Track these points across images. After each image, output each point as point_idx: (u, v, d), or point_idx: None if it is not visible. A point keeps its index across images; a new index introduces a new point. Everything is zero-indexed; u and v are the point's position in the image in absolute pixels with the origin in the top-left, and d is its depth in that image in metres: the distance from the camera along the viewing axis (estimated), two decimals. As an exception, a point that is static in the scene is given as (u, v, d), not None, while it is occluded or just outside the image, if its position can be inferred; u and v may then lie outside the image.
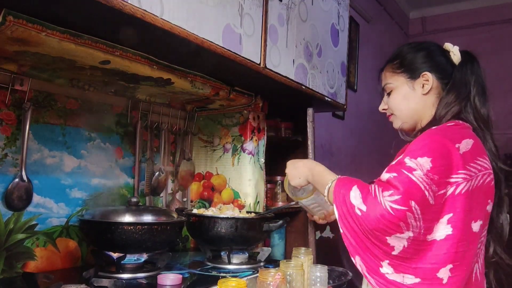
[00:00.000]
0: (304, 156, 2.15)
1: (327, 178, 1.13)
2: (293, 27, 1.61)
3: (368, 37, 3.80)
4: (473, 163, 1.03)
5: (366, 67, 3.71)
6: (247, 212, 1.65)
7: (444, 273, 0.97)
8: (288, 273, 1.21)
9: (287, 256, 2.00)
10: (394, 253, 0.96)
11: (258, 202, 1.78)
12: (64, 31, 1.03)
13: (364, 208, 0.97)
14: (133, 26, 1.03)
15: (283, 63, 1.55)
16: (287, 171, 1.29)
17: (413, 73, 1.19)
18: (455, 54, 1.20)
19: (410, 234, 0.95)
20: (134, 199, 1.36)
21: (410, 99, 1.20)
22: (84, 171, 1.46)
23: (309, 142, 1.80)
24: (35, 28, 0.98)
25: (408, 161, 0.97)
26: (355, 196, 1.00)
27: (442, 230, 0.97)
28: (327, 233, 2.85)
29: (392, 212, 0.93)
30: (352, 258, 1.02)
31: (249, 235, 1.47)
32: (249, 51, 1.36)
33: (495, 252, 1.11)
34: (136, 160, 1.63)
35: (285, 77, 1.56)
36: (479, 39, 4.48)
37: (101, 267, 1.25)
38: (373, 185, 0.99)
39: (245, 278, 1.31)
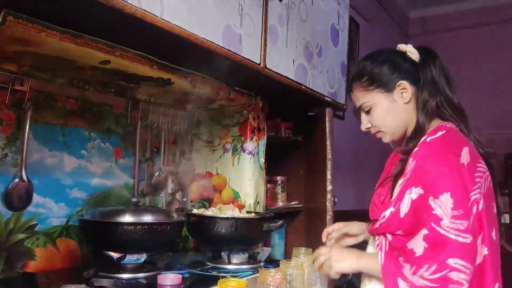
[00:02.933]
0: (303, 156, 2.16)
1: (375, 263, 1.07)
2: (293, 27, 1.61)
3: (368, 37, 3.80)
4: (476, 173, 1.01)
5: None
6: (247, 212, 1.65)
7: None
8: (288, 273, 1.21)
9: (287, 256, 2.00)
10: None
11: (258, 202, 1.78)
12: (64, 31, 1.03)
13: None
14: (133, 26, 1.03)
15: (283, 63, 1.55)
16: (331, 254, 1.17)
17: (387, 86, 1.17)
18: (413, 53, 1.19)
19: (467, 285, 0.92)
20: (134, 199, 1.36)
21: (394, 111, 1.18)
22: (84, 171, 1.46)
23: (328, 143, 1.80)
24: (35, 28, 0.98)
25: (433, 204, 0.96)
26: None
27: (481, 252, 0.96)
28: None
29: (431, 285, 0.92)
30: None
31: (249, 235, 1.47)
32: (249, 51, 1.36)
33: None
34: (136, 160, 1.63)
35: (285, 77, 1.56)
36: (479, 39, 4.48)
37: (101, 267, 1.25)
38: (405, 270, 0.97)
39: (245, 278, 1.31)
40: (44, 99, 1.35)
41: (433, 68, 1.16)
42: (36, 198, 1.30)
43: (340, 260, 1.14)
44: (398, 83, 1.16)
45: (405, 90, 1.17)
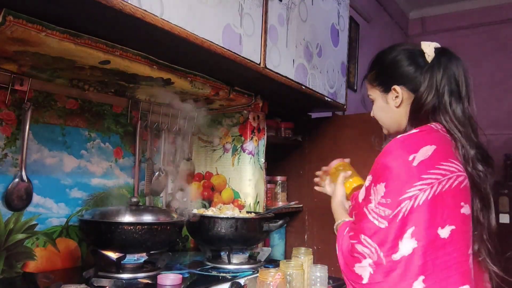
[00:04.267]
0: (302, 156, 2.16)
1: (337, 217, 1.27)
2: (293, 27, 1.60)
3: (368, 37, 3.80)
4: (434, 170, 1.02)
5: (366, 67, 3.71)
6: (247, 212, 1.65)
7: (418, 286, 0.97)
8: (288, 273, 1.21)
9: (287, 256, 2.00)
10: (364, 282, 1.01)
11: (258, 202, 1.78)
12: (64, 31, 1.03)
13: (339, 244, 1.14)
14: (133, 26, 1.03)
15: (283, 63, 1.55)
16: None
17: (385, 87, 1.21)
18: (429, 55, 1.16)
19: (369, 261, 1.01)
20: (134, 199, 1.36)
21: (386, 111, 1.23)
22: (84, 171, 1.46)
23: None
24: (35, 28, 0.98)
25: (372, 190, 1.06)
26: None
27: (408, 244, 0.98)
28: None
29: (349, 246, 1.07)
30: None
31: (249, 235, 1.47)
32: (249, 51, 1.36)
33: (485, 260, 1.08)
34: (136, 160, 1.63)
35: (285, 77, 1.56)
36: (479, 39, 4.48)
37: (101, 267, 1.25)
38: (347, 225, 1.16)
39: (245, 278, 1.31)
40: (44, 99, 1.35)
41: (436, 72, 1.12)
42: (36, 198, 1.31)
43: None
44: (393, 87, 1.18)
45: (397, 95, 1.18)
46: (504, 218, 3.62)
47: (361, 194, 1.12)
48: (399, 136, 1.09)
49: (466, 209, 1.04)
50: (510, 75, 4.33)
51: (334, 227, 1.24)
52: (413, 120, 1.14)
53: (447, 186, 1.02)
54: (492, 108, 4.25)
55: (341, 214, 1.27)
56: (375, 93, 1.25)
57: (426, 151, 1.03)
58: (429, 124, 1.10)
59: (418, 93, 1.13)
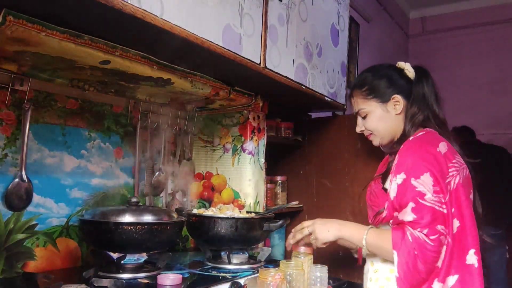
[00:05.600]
0: (302, 156, 2.16)
1: (360, 231, 1.26)
2: (293, 27, 1.60)
3: (368, 37, 3.80)
4: (454, 159, 1.21)
5: (366, 67, 3.70)
6: (247, 212, 1.65)
7: (472, 259, 1.15)
8: (288, 273, 1.21)
9: (287, 256, 2.00)
10: (438, 264, 1.14)
11: (258, 202, 1.78)
12: (64, 31, 1.03)
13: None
14: (133, 26, 1.03)
15: (283, 63, 1.55)
16: (315, 226, 1.33)
17: (383, 98, 1.36)
18: (409, 70, 1.38)
19: (445, 247, 1.14)
20: (134, 199, 1.36)
21: (385, 119, 1.37)
22: (84, 171, 1.46)
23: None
24: (35, 28, 0.98)
25: (415, 183, 1.15)
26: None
27: (454, 224, 1.15)
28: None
29: (430, 243, 1.11)
30: None
31: (249, 235, 1.47)
32: (249, 51, 1.36)
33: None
34: (136, 160, 1.63)
35: (285, 77, 1.56)
36: (479, 39, 4.48)
37: (101, 267, 1.25)
38: (404, 230, 1.15)
39: (245, 278, 1.31)
40: (44, 99, 1.35)
41: (425, 85, 1.34)
42: (36, 198, 1.30)
43: (324, 231, 1.31)
44: (393, 96, 1.34)
45: (398, 103, 1.35)
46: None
47: (396, 192, 1.19)
48: (410, 138, 1.26)
49: (471, 196, 1.24)
50: (510, 75, 4.33)
51: (364, 238, 1.23)
52: (410, 127, 1.30)
53: (464, 174, 1.22)
54: (492, 108, 4.25)
55: (360, 227, 1.28)
56: (371, 106, 1.37)
57: (444, 146, 1.22)
58: (425, 129, 1.28)
59: (413, 102, 1.33)
